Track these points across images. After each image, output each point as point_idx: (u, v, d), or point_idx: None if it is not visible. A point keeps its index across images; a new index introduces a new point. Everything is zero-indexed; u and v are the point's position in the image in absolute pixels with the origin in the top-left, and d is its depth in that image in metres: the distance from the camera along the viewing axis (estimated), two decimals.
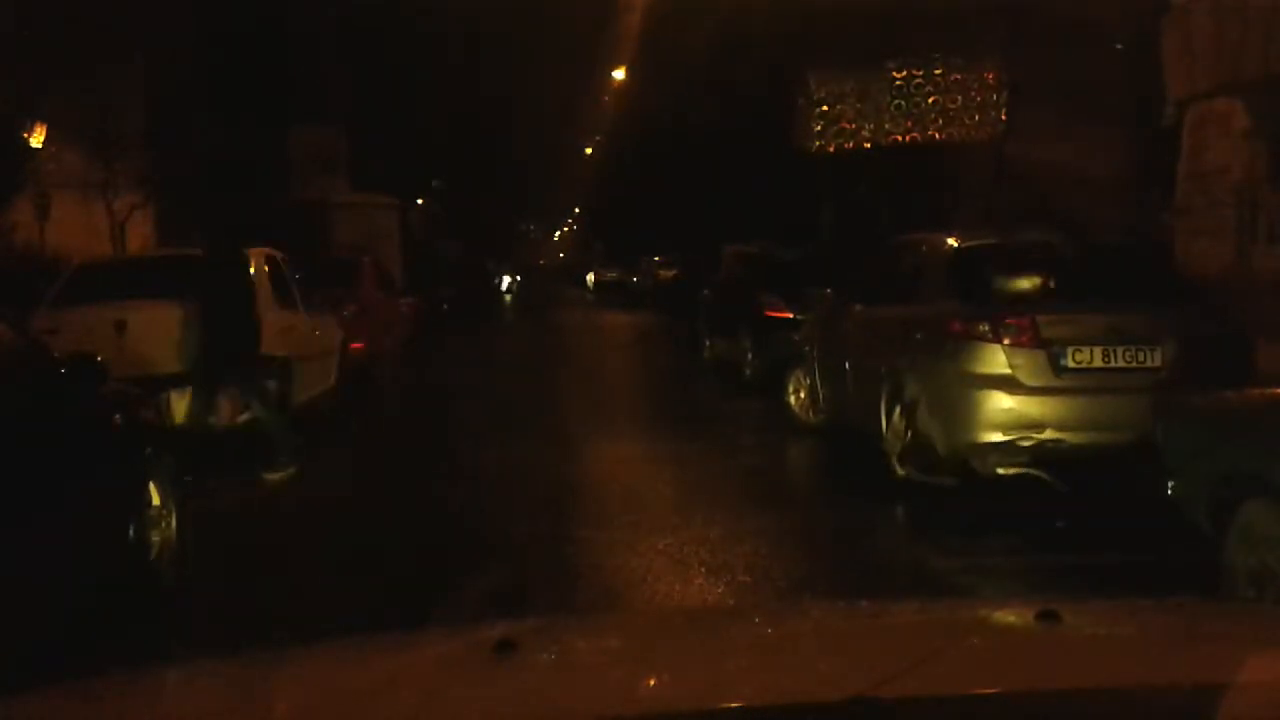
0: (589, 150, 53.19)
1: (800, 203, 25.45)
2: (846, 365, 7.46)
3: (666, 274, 32.45)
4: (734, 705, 1.39)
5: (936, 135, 20.48)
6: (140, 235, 20.84)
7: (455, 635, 2.00)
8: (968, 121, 20.59)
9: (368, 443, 9.53)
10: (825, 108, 22.32)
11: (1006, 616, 1.90)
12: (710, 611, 3.00)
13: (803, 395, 8.90)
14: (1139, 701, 1.34)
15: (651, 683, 1.58)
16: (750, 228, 23.19)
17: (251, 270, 8.79)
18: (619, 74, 39.26)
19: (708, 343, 14.40)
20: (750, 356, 11.82)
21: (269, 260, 9.28)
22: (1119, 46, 17.05)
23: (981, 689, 1.41)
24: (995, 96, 20.39)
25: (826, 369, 8.18)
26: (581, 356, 16.49)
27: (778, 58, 23.78)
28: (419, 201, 41.16)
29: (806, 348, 8.78)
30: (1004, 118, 20.13)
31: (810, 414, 8.77)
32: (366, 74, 26.86)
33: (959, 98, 20.45)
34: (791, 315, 11.17)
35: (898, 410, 6.39)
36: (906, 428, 6.22)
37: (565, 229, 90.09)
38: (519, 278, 57.01)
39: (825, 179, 24.51)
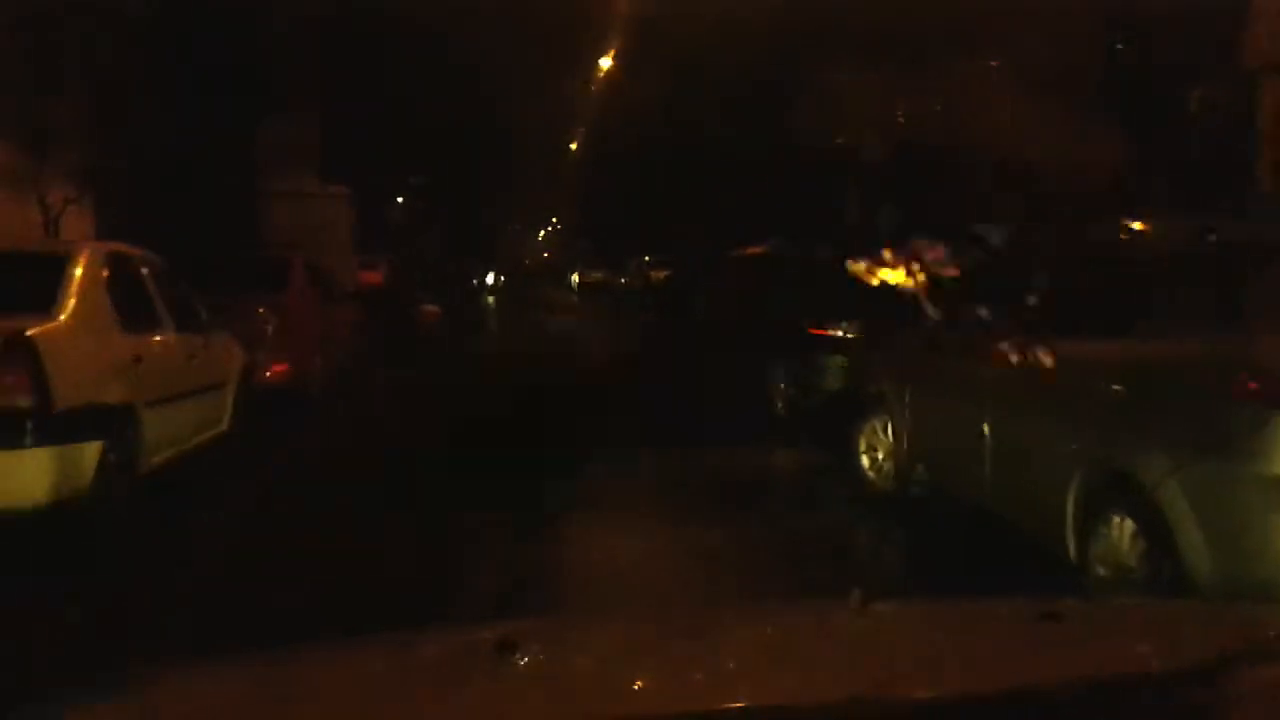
0: (574, 145, 50.76)
1: (798, 202, 23.08)
2: (985, 430, 4.69)
3: (658, 275, 29.72)
4: (734, 705, 1.37)
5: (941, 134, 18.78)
6: (76, 232, 19.31)
7: (455, 635, 2.04)
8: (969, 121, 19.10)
9: (262, 514, 6.69)
10: None
11: (1006, 616, 1.83)
12: (710, 611, 2.47)
13: (880, 456, 6.16)
14: (1139, 701, 1.32)
15: (651, 683, 1.53)
16: (749, 226, 21.06)
17: (77, 276, 6.04)
18: (606, 62, 37.03)
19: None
20: (783, 386, 9.07)
21: (111, 261, 6.50)
22: (1119, 46, 16.32)
23: (981, 689, 1.39)
24: (996, 94, 18.87)
25: (930, 426, 5.46)
26: (563, 375, 13.66)
27: (775, 45, 21.95)
28: (399, 200, 39.09)
29: (884, 389, 6.04)
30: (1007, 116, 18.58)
31: (891, 481, 6.06)
32: (342, 65, 24.57)
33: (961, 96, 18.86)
34: (840, 334, 8.50)
35: (1112, 520, 3.64)
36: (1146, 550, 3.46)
37: (550, 228, 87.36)
38: (503, 277, 54.30)
39: (840, 177, 22.31)
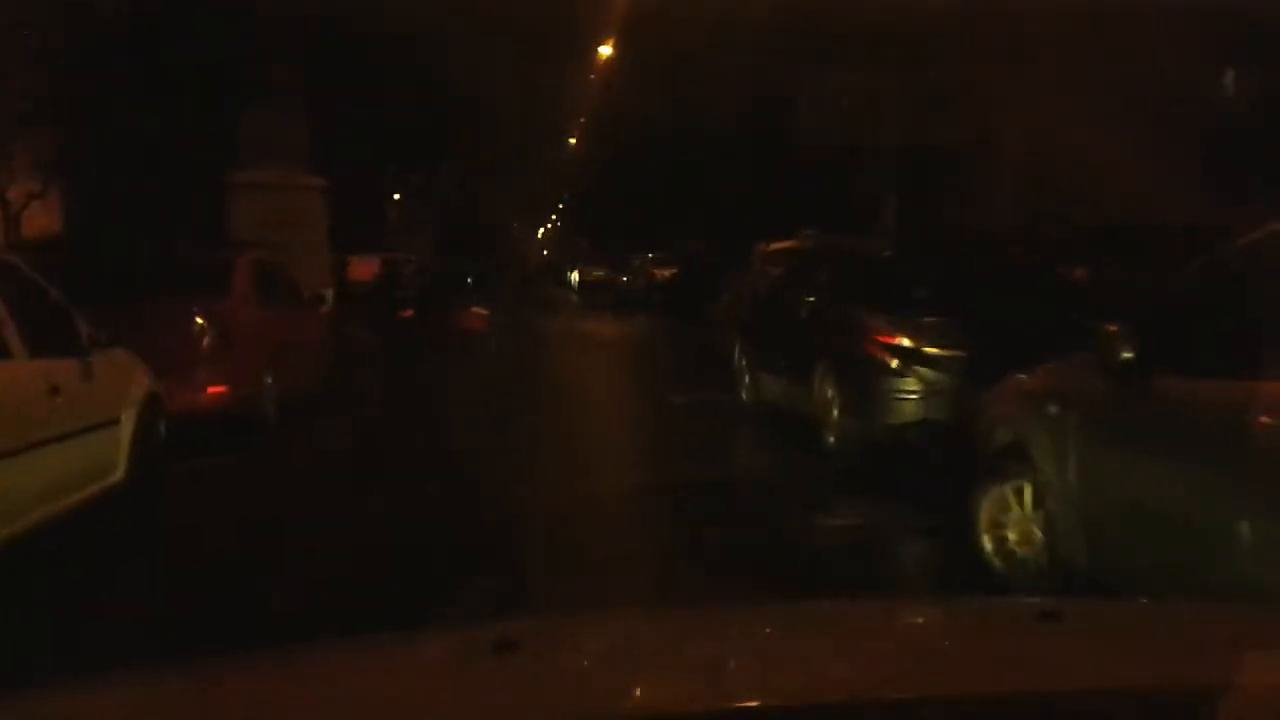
0: (573, 140, 49.13)
1: (816, 196, 21.54)
2: (1244, 529, 2.82)
3: (663, 273, 27.85)
4: (734, 705, 1.36)
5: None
6: (40, 227, 18.38)
7: (455, 635, 2.01)
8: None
9: (122, 617, 4.78)
10: None
11: (1006, 616, 1.83)
12: (710, 612, 2.28)
13: (1013, 538, 4.27)
14: (1139, 701, 1.31)
15: (652, 683, 1.51)
16: (761, 221, 19.72)
17: None
18: (606, 49, 35.66)
19: (748, 378, 9.76)
20: (838, 413, 7.18)
21: None
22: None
23: (981, 689, 1.38)
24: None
25: (1120, 510, 3.59)
26: (559, 395, 11.77)
27: (780, 38, 20.71)
28: (395, 197, 38.32)
29: (1023, 440, 4.16)
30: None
31: (1032, 576, 4.19)
32: (333, 58, 23.23)
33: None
34: (913, 346, 6.68)
35: None
36: None
37: (549, 226, 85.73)
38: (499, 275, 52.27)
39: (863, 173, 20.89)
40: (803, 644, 1.66)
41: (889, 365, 6.74)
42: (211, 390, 8.74)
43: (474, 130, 34.04)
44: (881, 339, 6.82)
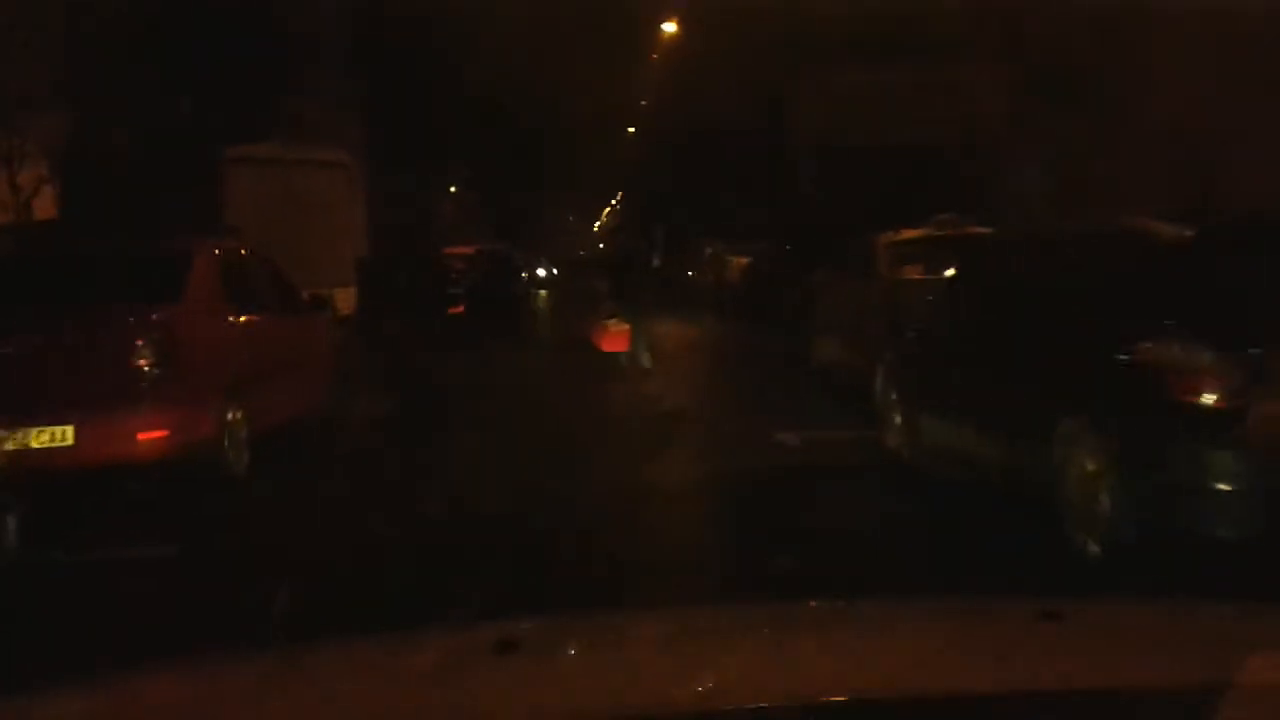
0: (631, 129, 47.13)
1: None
2: None
3: (735, 268, 24.93)
4: (734, 705, 1.35)
5: None
6: (50, 213, 17.29)
7: (455, 635, 2.00)
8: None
9: None
10: None
11: (1007, 616, 1.79)
12: (710, 611, 2.34)
13: None
14: (1139, 702, 1.30)
15: (652, 683, 1.50)
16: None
17: None
18: (670, 27, 33.70)
19: (899, 418, 6.91)
20: (1114, 501, 4.33)
21: None
22: None
23: (981, 689, 1.36)
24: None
25: None
26: (628, 431, 8.89)
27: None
28: (451, 189, 37.72)
29: None
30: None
31: None
32: (384, 48, 21.77)
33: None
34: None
35: None
36: None
37: (605, 218, 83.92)
38: (555, 270, 49.91)
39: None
40: (803, 644, 1.64)
41: (1215, 431, 3.94)
42: (145, 436, 6.13)
43: (527, 121, 32.34)
44: (1199, 386, 4.01)
